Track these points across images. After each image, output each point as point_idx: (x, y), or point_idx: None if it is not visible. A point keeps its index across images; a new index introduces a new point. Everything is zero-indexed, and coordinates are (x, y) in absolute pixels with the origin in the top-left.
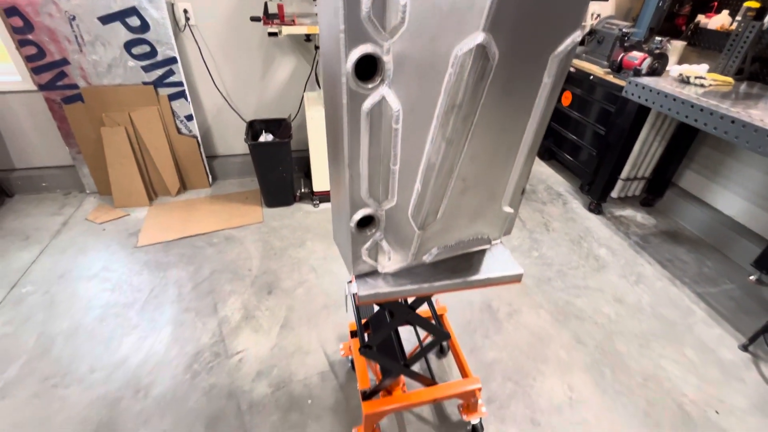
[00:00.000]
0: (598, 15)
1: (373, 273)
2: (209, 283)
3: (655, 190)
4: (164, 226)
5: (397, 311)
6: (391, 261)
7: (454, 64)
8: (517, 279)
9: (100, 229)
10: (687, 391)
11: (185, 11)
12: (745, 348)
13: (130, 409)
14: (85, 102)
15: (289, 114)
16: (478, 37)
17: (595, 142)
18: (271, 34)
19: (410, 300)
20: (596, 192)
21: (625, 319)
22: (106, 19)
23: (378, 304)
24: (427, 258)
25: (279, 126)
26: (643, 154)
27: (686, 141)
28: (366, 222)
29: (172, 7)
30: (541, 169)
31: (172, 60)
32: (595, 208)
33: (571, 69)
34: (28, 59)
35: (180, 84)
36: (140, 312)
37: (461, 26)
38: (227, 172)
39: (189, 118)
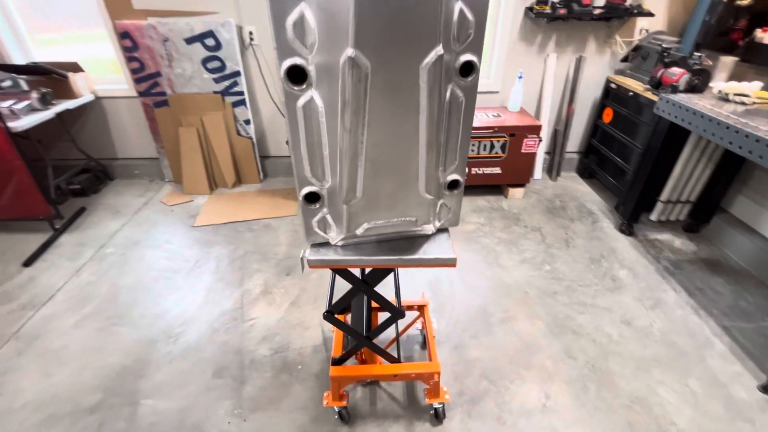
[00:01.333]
0: (646, 30)
1: (326, 244)
2: (241, 261)
3: (701, 216)
4: (217, 212)
5: (351, 281)
6: (335, 233)
7: (341, 71)
8: (450, 263)
9: (169, 210)
10: (678, 420)
11: (250, 33)
12: (765, 389)
13: (161, 349)
14: (170, 106)
15: None
16: (349, 51)
17: (632, 161)
18: None
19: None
20: (627, 212)
21: (629, 341)
22: (190, 40)
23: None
24: (359, 231)
25: None
26: (686, 176)
27: (736, 162)
28: (313, 198)
29: (240, 30)
30: (578, 186)
31: (237, 73)
32: (626, 228)
33: (613, 85)
34: (132, 72)
35: (242, 93)
36: (185, 277)
37: (342, 43)
38: (276, 171)
39: (247, 122)
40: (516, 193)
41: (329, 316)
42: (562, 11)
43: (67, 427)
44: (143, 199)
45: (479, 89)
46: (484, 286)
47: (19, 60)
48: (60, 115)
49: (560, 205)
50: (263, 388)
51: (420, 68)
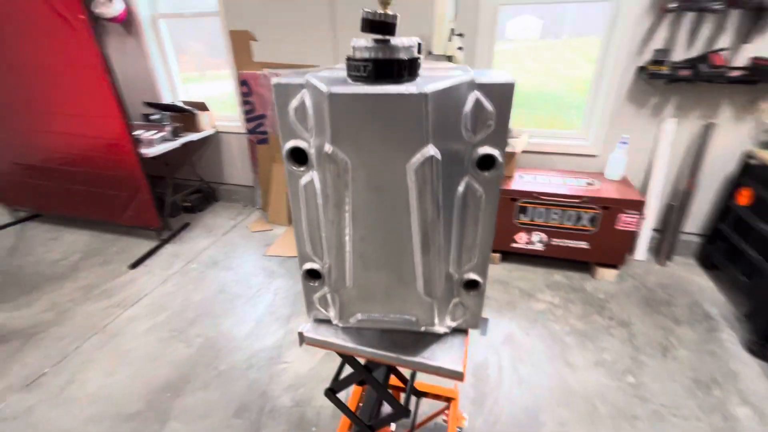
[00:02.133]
0: None
1: (329, 321)
2: (295, 298)
3: None
4: (289, 245)
5: (351, 365)
6: (335, 313)
7: (322, 164)
8: (456, 377)
9: (251, 236)
10: None
11: None
12: None
13: (201, 373)
14: (269, 144)
15: None
16: (327, 146)
17: None
18: None
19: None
20: (762, 325)
21: None
22: None
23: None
24: (352, 321)
25: None
26: None
27: None
28: (314, 275)
29: None
30: (695, 278)
31: None
32: (758, 348)
33: (754, 161)
34: (245, 112)
35: None
36: (243, 304)
37: (326, 135)
38: None
39: None
40: (606, 274)
41: (330, 394)
42: (686, 73)
43: (103, 429)
44: (234, 222)
45: (571, 151)
46: (541, 385)
47: (167, 97)
48: (185, 144)
49: (664, 299)
50: None
51: (407, 167)
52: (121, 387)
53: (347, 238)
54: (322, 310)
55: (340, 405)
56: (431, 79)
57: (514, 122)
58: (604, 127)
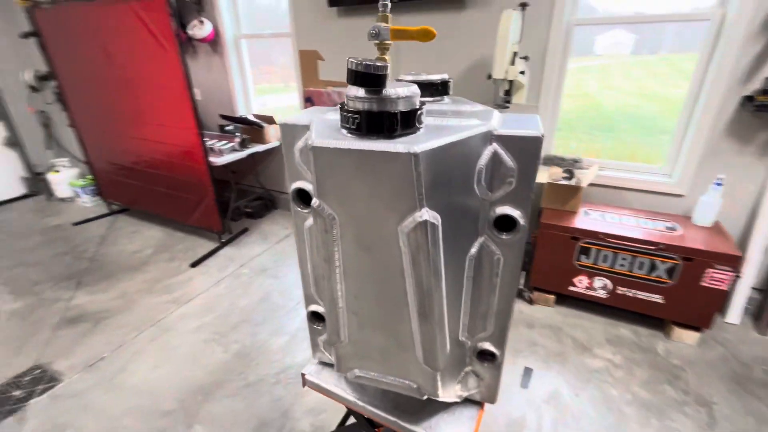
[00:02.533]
0: None
1: (332, 367)
2: None
3: None
4: None
5: (356, 418)
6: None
7: (312, 217)
8: None
9: None
10: None
11: None
12: None
13: (232, 381)
14: None
15: None
16: (315, 201)
17: None
18: None
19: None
20: None
21: None
22: None
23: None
24: (349, 375)
25: None
26: None
27: None
28: (318, 317)
29: None
30: None
31: None
32: None
33: None
34: None
35: None
36: (283, 316)
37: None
38: None
39: None
40: (685, 336)
41: None
42: None
43: (138, 424)
44: (288, 231)
45: (651, 188)
46: None
47: (242, 109)
48: (251, 155)
49: (762, 379)
50: None
51: (399, 229)
52: (161, 383)
53: (339, 294)
54: (327, 354)
55: None
56: (434, 132)
57: (586, 150)
58: (694, 163)
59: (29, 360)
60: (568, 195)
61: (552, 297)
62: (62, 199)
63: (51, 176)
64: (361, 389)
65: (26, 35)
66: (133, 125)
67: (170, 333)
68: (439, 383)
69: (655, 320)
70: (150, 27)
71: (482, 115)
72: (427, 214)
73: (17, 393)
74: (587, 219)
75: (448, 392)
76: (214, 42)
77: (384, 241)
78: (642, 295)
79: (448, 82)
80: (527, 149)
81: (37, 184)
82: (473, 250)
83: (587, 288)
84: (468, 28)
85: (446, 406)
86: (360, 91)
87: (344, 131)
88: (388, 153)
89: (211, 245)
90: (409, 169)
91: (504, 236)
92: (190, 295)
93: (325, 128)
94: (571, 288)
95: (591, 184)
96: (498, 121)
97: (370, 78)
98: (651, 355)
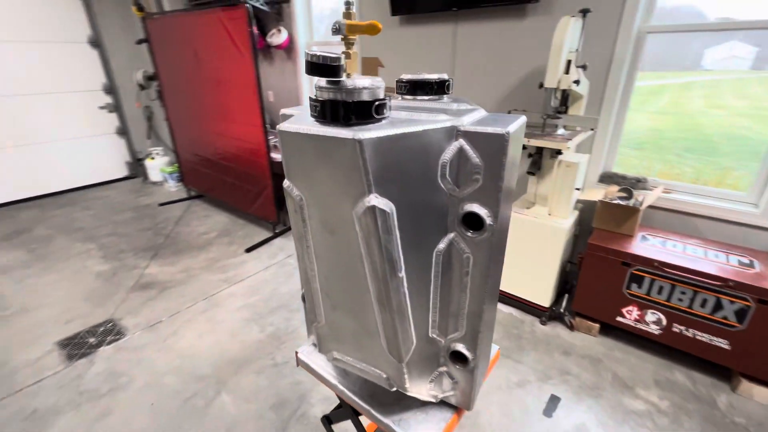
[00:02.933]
0: None
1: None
2: None
3: None
4: None
5: (342, 403)
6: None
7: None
8: None
9: None
10: None
11: None
12: None
13: (260, 360)
14: None
15: None
16: (285, 181)
17: None
18: None
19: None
20: None
21: None
22: None
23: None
24: (328, 357)
25: None
26: None
27: None
28: None
29: None
30: None
31: None
32: None
33: None
34: None
35: None
36: None
37: None
38: None
39: None
40: (757, 392)
41: (325, 421)
42: None
43: (177, 383)
44: None
45: (729, 217)
46: None
47: None
48: None
49: None
50: None
51: (353, 213)
52: (202, 350)
53: (314, 273)
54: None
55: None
56: (396, 124)
57: (668, 172)
58: None
59: (105, 314)
60: (624, 216)
61: (596, 326)
62: (154, 183)
63: (148, 162)
64: (344, 374)
65: (140, 41)
66: (212, 121)
67: (218, 308)
68: (406, 376)
69: (721, 368)
70: (231, 34)
71: (459, 113)
72: (375, 200)
73: (91, 340)
74: (644, 244)
75: (419, 389)
76: (289, 48)
77: (345, 225)
78: (703, 336)
79: (446, 81)
80: (492, 146)
81: (136, 168)
82: (441, 245)
83: (637, 321)
84: (528, 36)
85: (421, 404)
86: (322, 81)
87: (312, 119)
88: (338, 138)
89: (266, 234)
90: (356, 155)
91: (470, 234)
92: (240, 276)
93: (301, 116)
94: (619, 319)
95: (655, 207)
96: (473, 119)
97: (324, 68)
98: (707, 408)
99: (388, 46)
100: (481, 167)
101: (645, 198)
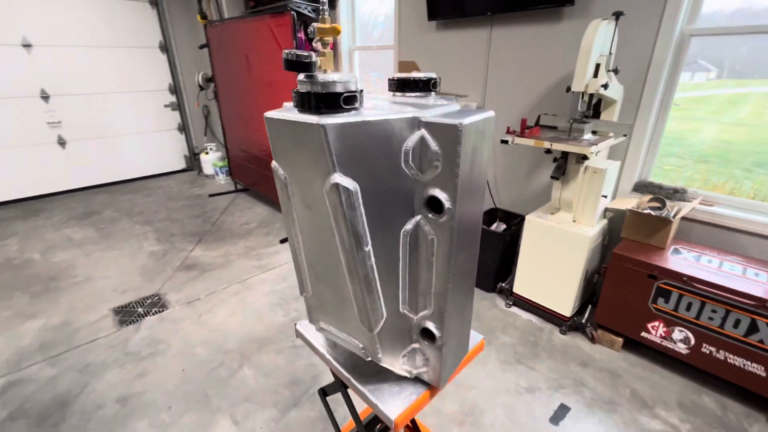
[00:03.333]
0: None
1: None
2: None
3: None
4: None
5: (333, 375)
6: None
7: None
8: (387, 422)
9: None
10: None
11: None
12: None
13: (282, 341)
14: None
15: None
16: (273, 162)
17: None
18: (502, 141)
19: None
20: None
21: None
22: None
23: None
24: (316, 327)
25: (515, 220)
26: None
27: None
28: None
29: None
30: None
31: None
32: None
33: None
34: None
35: None
36: None
37: None
38: None
39: None
40: None
41: (321, 394)
42: None
43: (207, 353)
44: None
45: (762, 231)
46: None
47: None
48: None
49: None
50: (298, 423)
51: (323, 190)
52: (231, 327)
53: (299, 246)
54: None
55: (326, 407)
56: (363, 114)
57: (695, 182)
58: None
59: (153, 289)
60: (655, 227)
61: (620, 340)
62: (207, 175)
63: (203, 156)
64: (334, 346)
65: (201, 46)
66: (257, 120)
67: (249, 291)
68: (378, 346)
69: (756, 397)
70: (277, 38)
71: (429, 107)
72: (339, 178)
73: (140, 309)
74: (674, 258)
75: (392, 361)
76: (333, 53)
77: (318, 201)
78: (736, 360)
79: (432, 80)
80: (448, 136)
81: (193, 161)
82: (409, 226)
83: (663, 337)
84: (563, 40)
85: (397, 378)
86: (301, 76)
87: (295, 109)
88: (307, 124)
89: None
90: (320, 138)
91: (431, 216)
92: (273, 264)
93: (289, 107)
94: (644, 334)
95: (694, 220)
96: (439, 112)
97: (298, 65)
98: None
99: (425, 50)
100: (439, 155)
101: (679, 209)
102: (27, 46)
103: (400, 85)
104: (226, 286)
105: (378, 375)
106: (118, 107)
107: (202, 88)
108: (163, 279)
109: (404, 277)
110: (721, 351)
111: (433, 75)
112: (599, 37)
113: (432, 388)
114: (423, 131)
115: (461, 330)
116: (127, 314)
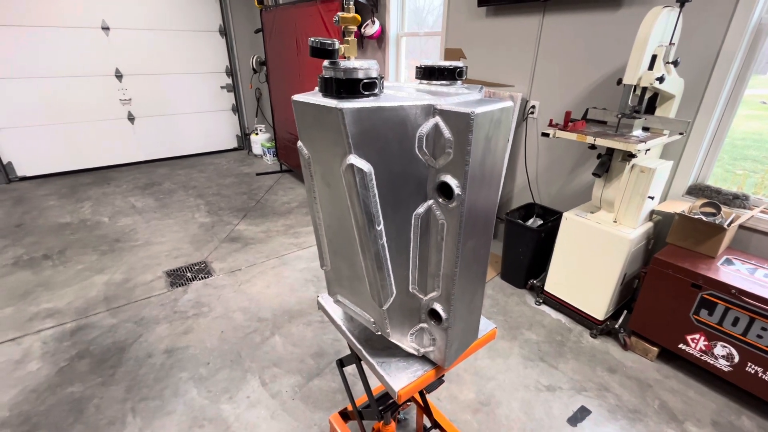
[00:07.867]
0: None
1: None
2: None
3: None
4: None
5: (350, 348)
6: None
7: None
8: (392, 394)
9: None
10: None
11: (532, 107)
12: None
13: (313, 314)
14: None
15: None
16: (299, 142)
17: None
18: (543, 134)
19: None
20: None
21: None
22: None
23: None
24: (333, 299)
25: (552, 217)
26: None
27: None
28: None
29: (525, 103)
30: None
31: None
32: None
33: None
34: None
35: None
36: None
37: None
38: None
39: None
40: None
41: (339, 364)
42: None
43: (243, 319)
44: None
45: None
46: None
47: None
48: None
49: None
50: (319, 390)
51: (341, 170)
52: (267, 298)
53: (320, 222)
54: None
55: (342, 376)
56: (381, 100)
57: (760, 187)
58: None
59: (201, 257)
60: (706, 234)
61: (655, 350)
62: (255, 155)
63: (253, 137)
64: (350, 319)
65: (257, 31)
66: None
67: (286, 266)
68: (387, 321)
69: None
70: (327, 25)
71: (449, 95)
72: (355, 160)
73: (188, 274)
74: (725, 268)
75: (400, 338)
76: (380, 39)
77: (336, 179)
78: None
79: (458, 69)
80: (460, 124)
81: (243, 141)
82: (420, 210)
83: (702, 352)
84: (620, 29)
85: (406, 355)
86: (326, 62)
87: (320, 93)
88: (327, 107)
89: None
90: (338, 121)
91: (441, 201)
92: (309, 243)
93: (316, 92)
94: (682, 346)
95: (753, 230)
96: (457, 101)
97: (321, 51)
98: None
99: (473, 37)
100: (452, 142)
101: (737, 216)
102: (105, 29)
103: (426, 73)
104: (265, 260)
105: (388, 350)
106: (180, 87)
107: (255, 71)
108: (210, 248)
109: (414, 259)
110: (755, 367)
111: (459, 64)
112: (659, 26)
113: (438, 367)
114: (437, 118)
115: (469, 314)
116: (177, 277)
